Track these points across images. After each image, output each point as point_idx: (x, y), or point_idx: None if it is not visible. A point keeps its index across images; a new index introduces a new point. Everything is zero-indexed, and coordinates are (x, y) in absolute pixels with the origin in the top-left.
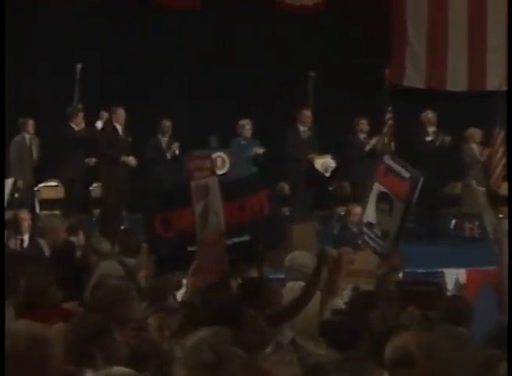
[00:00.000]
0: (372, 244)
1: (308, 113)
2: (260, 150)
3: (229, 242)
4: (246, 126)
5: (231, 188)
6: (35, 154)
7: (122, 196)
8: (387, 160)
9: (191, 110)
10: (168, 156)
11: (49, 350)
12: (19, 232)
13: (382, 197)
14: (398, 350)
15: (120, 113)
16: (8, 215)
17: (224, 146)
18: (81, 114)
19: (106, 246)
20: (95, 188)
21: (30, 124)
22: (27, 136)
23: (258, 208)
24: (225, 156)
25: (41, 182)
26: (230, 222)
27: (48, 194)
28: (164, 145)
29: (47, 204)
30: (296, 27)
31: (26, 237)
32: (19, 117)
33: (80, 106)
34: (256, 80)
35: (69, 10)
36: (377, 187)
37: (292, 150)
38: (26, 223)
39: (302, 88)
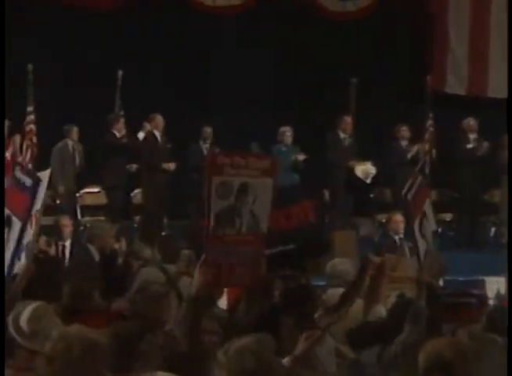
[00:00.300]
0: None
1: (349, 119)
2: (301, 157)
3: (274, 250)
4: (287, 133)
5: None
6: (78, 161)
7: (162, 202)
8: None
9: (232, 116)
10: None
11: (101, 354)
12: (60, 238)
13: None
14: (433, 356)
15: (159, 119)
16: (49, 220)
17: (265, 152)
18: (122, 121)
19: (147, 252)
20: (136, 194)
21: (75, 131)
22: (70, 143)
23: (303, 217)
24: None
25: (82, 189)
26: (276, 229)
27: (90, 200)
28: (205, 152)
29: (89, 210)
30: (338, 33)
31: (68, 243)
32: (63, 124)
33: (121, 112)
34: (297, 86)
35: (108, 19)
36: None
37: (333, 156)
38: (68, 229)
39: (344, 94)
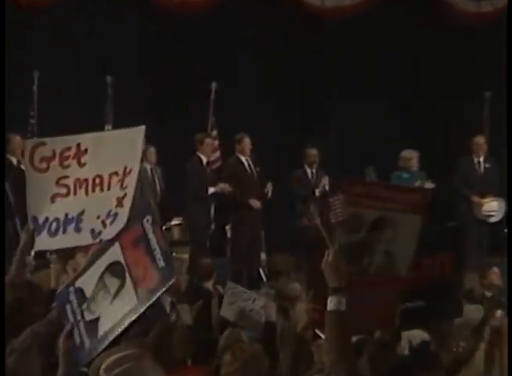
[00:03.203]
0: None
1: (481, 140)
2: (428, 185)
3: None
4: (411, 157)
5: None
6: (159, 187)
7: (258, 237)
8: None
9: (341, 137)
10: (317, 192)
11: None
12: None
13: None
14: None
15: (246, 142)
16: None
17: (382, 179)
18: (209, 142)
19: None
20: (228, 229)
21: (152, 153)
22: (149, 166)
23: (439, 271)
24: None
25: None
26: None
27: (174, 234)
28: (311, 179)
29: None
30: (467, 41)
31: None
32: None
33: (214, 132)
34: (420, 103)
35: (196, 25)
36: None
37: (460, 186)
38: None
39: (476, 112)
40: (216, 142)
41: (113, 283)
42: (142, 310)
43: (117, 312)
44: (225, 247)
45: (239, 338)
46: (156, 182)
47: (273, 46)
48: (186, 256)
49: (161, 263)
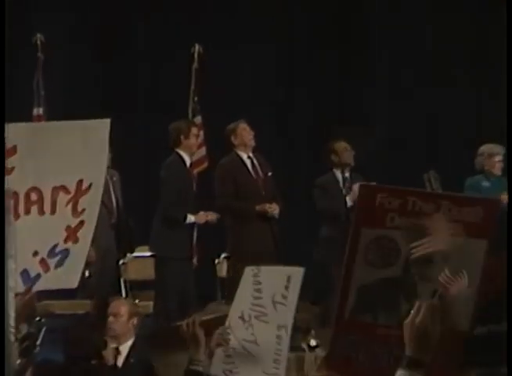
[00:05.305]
0: None
1: None
2: (504, 196)
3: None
4: (493, 153)
5: None
6: (115, 202)
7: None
8: None
9: (387, 127)
10: (349, 202)
11: None
12: None
13: None
14: None
15: (245, 131)
16: None
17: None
18: (194, 131)
19: None
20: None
21: None
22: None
23: None
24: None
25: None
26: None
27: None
28: (343, 187)
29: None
30: None
31: None
32: None
33: (197, 119)
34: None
35: None
36: None
37: None
38: None
39: None
40: (201, 134)
41: None
42: None
43: None
44: (216, 290)
45: None
46: (112, 195)
47: None
48: (150, 305)
49: None
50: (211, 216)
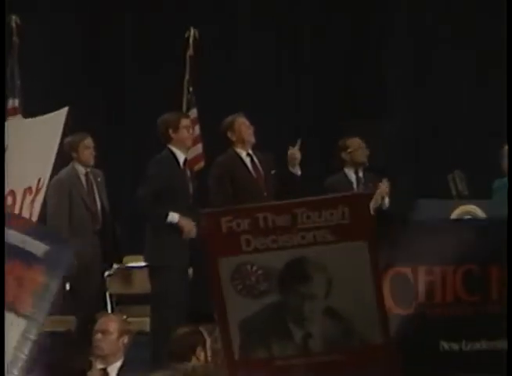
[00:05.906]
0: None
1: None
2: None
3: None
4: None
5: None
6: (99, 204)
7: None
8: None
9: (406, 120)
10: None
11: None
12: None
13: None
14: None
15: (244, 125)
16: None
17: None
18: (185, 124)
19: None
20: None
21: (88, 147)
22: (82, 170)
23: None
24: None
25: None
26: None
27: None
28: (357, 188)
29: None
30: None
31: None
32: None
33: (193, 112)
34: None
35: None
36: None
37: None
38: None
39: None
40: (197, 129)
41: None
42: None
43: None
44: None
45: None
46: (96, 196)
47: None
48: (141, 321)
49: None
50: (189, 228)
